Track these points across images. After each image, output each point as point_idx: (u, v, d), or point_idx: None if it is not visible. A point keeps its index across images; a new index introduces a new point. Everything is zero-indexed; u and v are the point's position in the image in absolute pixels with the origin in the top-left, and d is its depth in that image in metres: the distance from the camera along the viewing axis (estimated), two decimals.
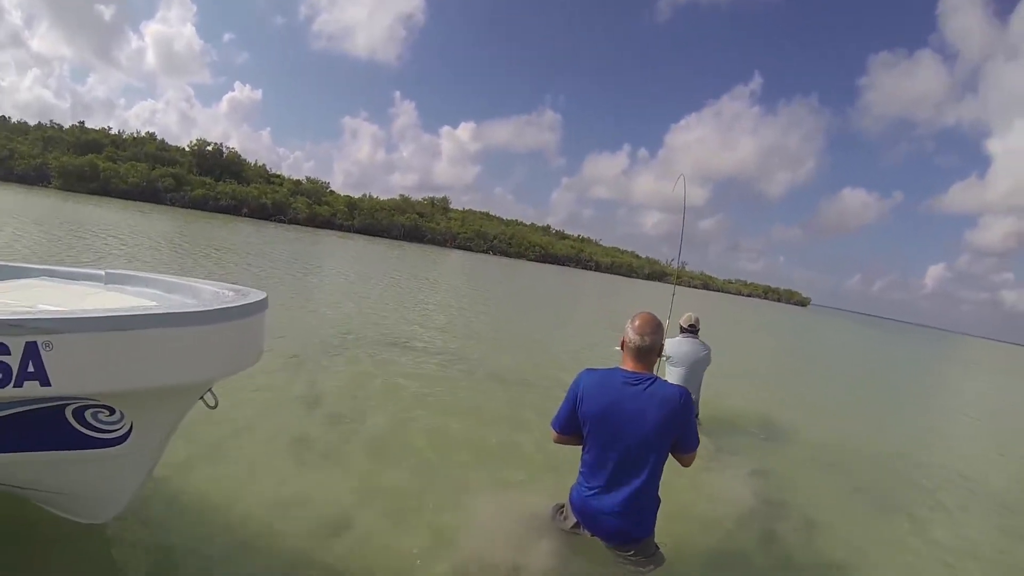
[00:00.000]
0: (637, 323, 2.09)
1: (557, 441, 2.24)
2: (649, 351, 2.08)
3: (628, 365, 2.10)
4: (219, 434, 3.06)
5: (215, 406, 1.95)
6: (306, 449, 3.19)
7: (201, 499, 2.49)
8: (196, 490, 2.54)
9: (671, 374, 5.48)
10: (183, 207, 48.38)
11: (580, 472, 2.20)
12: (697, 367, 5.36)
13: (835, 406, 8.15)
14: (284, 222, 53.20)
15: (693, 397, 5.44)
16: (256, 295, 1.97)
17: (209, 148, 59.50)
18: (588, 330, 12.86)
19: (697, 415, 5.37)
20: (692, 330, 5.50)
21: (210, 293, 2.22)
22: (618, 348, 2.21)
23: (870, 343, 28.90)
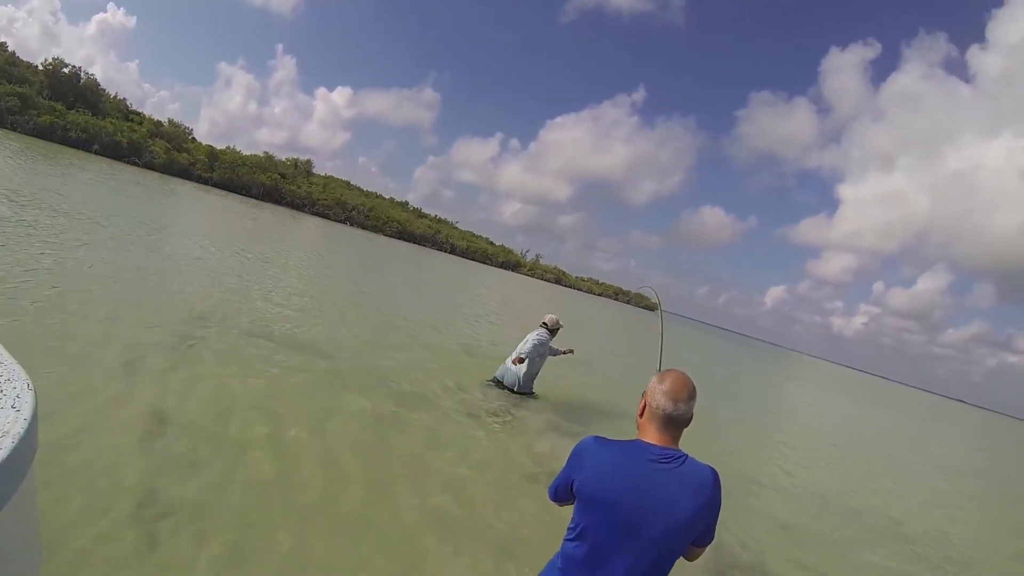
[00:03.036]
0: (668, 384, 1.64)
1: (557, 503, 1.79)
2: (681, 421, 1.64)
3: (651, 436, 1.63)
4: None
5: None
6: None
7: None
8: None
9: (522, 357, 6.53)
10: (26, 133, 48.23)
11: (559, 570, 1.64)
12: (540, 360, 6.60)
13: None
14: (139, 165, 54.11)
15: (528, 376, 6.65)
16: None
17: (65, 71, 57.85)
18: (451, 320, 13.76)
19: (533, 394, 6.70)
20: (552, 332, 6.64)
21: None
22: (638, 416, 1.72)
23: (722, 356, 32.38)
